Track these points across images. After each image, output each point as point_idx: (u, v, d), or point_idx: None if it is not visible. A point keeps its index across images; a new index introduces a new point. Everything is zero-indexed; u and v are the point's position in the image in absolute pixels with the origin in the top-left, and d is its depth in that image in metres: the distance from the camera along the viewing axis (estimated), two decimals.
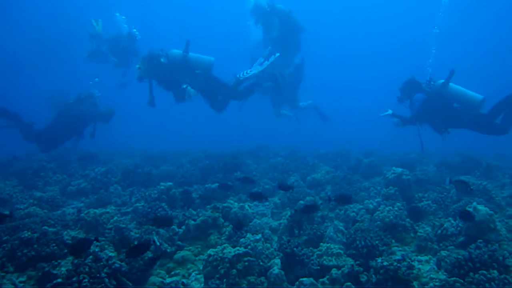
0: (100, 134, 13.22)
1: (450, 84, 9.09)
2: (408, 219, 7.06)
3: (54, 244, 5.94)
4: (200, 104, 10.72)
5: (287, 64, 14.85)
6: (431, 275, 5.40)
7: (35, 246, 5.87)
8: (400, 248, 6.43)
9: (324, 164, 11.81)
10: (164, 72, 10.07)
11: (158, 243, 6.00)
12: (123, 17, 14.73)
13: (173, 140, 23.01)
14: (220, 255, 5.34)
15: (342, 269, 5.26)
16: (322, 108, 17.02)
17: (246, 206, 7.48)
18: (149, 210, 7.27)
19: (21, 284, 5.35)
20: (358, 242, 5.89)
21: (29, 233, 6.00)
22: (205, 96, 10.74)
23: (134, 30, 14.51)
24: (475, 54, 38.20)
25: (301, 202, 7.68)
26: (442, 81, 9.17)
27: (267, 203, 8.90)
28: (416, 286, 5.10)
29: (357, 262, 5.43)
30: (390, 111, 9.73)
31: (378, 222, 6.85)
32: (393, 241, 6.56)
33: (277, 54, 10.71)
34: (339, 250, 5.82)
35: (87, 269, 4.87)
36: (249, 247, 5.72)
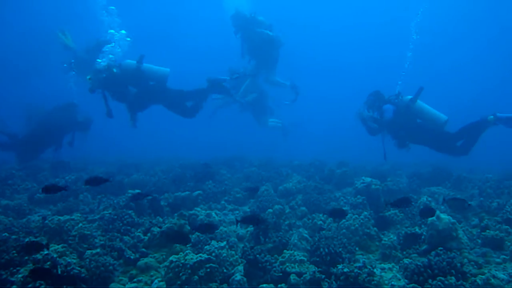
0: (77, 143, 13.15)
1: (418, 101, 9.48)
2: (374, 228, 7.11)
3: (14, 251, 5.83)
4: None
5: (267, 74, 14.93)
6: (393, 282, 5.42)
7: None
8: (364, 256, 6.46)
9: (298, 175, 11.84)
10: (117, 83, 9.96)
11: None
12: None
13: (151, 149, 22.90)
14: (182, 261, 5.31)
15: (304, 275, 5.26)
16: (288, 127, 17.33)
17: (213, 214, 7.45)
18: (115, 217, 7.20)
19: None
20: (322, 250, 5.89)
21: None
22: (169, 107, 10.71)
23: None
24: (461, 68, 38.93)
25: (270, 210, 7.65)
26: (410, 97, 9.55)
27: (237, 211, 8.90)
28: None
29: (319, 269, 5.43)
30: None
31: (344, 230, 6.88)
32: (357, 249, 6.59)
33: (248, 80, 10.86)
34: (302, 257, 5.82)
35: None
36: (213, 254, 5.69)
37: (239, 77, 11.85)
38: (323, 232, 6.69)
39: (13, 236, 6.27)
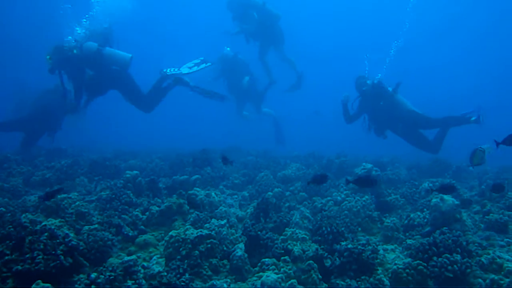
0: (74, 131, 13.01)
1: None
2: (377, 212, 7.04)
3: (10, 226, 5.71)
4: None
5: (277, 50, 14.85)
6: (396, 261, 5.33)
7: None
8: (366, 237, 6.37)
9: (296, 163, 11.72)
10: (76, 64, 9.72)
11: None
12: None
13: (145, 140, 22.75)
14: (182, 236, 5.21)
15: (307, 252, 5.17)
16: (283, 128, 17.20)
17: (213, 194, 7.35)
18: (113, 196, 7.09)
19: None
20: (324, 229, 5.80)
21: None
22: (125, 95, 10.58)
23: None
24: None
25: (270, 193, 7.56)
26: (390, 88, 10.00)
27: (236, 195, 8.80)
28: (381, 270, 5.02)
29: (322, 247, 5.34)
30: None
31: (345, 212, 6.79)
32: (359, 229, 6.51)
33: (209, 64, 10.75)
34: (304, 235, 5.73)
35: (41, 246, 4.68)
36: (213, 232, 5.59)
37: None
38: (326, 212, 6.59)
39: (8, 214, 6.15)
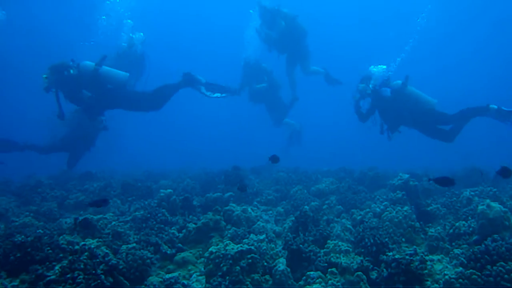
0: (98, 155, 13.09)
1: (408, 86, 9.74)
2: (419, 222, 6.84)
3: (49, 248, 5.68)
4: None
5: (303, 66, 14.70)
6: (445, 271, 5.12)
7: (29, 250, 5.60)
8: (411, 248, 6.16)
9: (328, 178, 11.54)
10: (72, 84, 9.69)
11: None
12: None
13: (174, 160, 22.77)
14: (223, 252, 5.09)
15: (352, 265, 4.99)
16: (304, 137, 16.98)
17: (249, 209, 7.23)
18: (149, 215, 7.03)
19: None
20: (367, 240, 5.62)
21: (23, 236, 5.75)
22: (128, 109, 10.55)
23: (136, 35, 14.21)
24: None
25: (306, 207, 7.41)
26: (399, 82, 9.78)
27: (270, 211, 8.67)
28: (430, 281, 4.81)
29: (367, 259, 5.16)
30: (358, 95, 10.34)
31: (387, 223, 6.59)
32: (403, 239, 6.29)
33: (224, 95, 10.73)
34: (347, 248, 5.56)
35: (82, 266, 4.61)
36: (253, 247, 5.45)
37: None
38: (367, 223, 6.40)
39: (46, 237, 6.13)
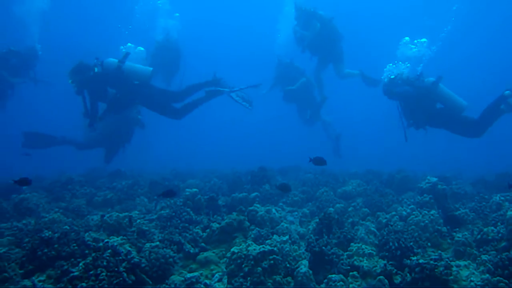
0: (129, 153, 13.22)
1: (439, 84, 9.38)
2: (446, 226, 6.70)
3: (75, 244, 5.77)
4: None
5: (337, 69, 14.56)
6: (472, 278, 5.00)
7: (56, 246, 5.70)
8: (436, 253, 6.04)
9: (356, 180, 11.43)
10: (98, 82, 9.71)
11: None
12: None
13: (203, 160, 22.87)
14: (245, 252, 5.07)
15: (374, 268, 4.93)
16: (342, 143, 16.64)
17: (273, 210, 7.21)
18: (173, 214, 7.07)
19: (40, 283, 5.18)
20: (391, 244, 5.54)
21: (50, 232, 5.86)
22: (155, 109, 10.48)
23: None
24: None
25: (331, 209, 7.36)
26: (433, 79, 9.41)
27: (296, 212, 8.63)
28: (455, 287, 4.71)
29: (390, 263, 5.08)
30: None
31: (413, 227, 6.48)
32: (429, 244, 6.18)
33: (238, 88, 10.70)
34: (371, 251, 5.48)
35: (104, 263, 4.67)
36: (275, 248, 5.43)
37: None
38: (392, 226, 6.31)
39: (72, 233, 6.23)
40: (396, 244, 5.49)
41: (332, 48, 13.89)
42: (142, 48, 12.34)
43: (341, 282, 4.64)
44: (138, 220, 6.78)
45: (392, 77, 9.92)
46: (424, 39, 10.39)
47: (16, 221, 7.91)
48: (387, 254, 5.52)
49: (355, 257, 5.35)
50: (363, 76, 14.38)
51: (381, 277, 4.53)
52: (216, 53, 38.37)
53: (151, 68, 9.96)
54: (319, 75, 14.62)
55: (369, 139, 30.30)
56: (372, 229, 6.30)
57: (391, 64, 10.23)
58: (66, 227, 6.24)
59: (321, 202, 8.43)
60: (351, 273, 4.84)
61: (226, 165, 19.36)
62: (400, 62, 10.24)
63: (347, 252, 5.52)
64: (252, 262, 4.97)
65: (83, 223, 7.61)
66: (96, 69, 9.56)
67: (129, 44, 12.77)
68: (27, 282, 5.12)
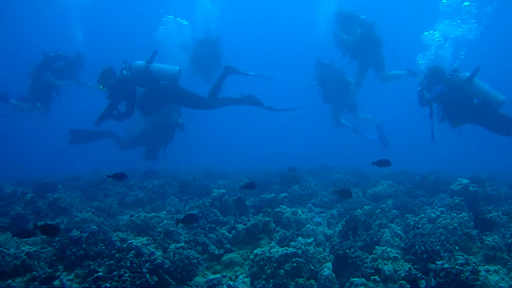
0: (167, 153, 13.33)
1: (475, 79, 9.06)
2: (475, 230, 6.54)
3: (102, 244, 5.88)
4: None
5: (378, 77, 14.37)
6: (501, 284, 4.87)
7: (84, 245, 5.82)
8: (464, 257, 5.90)
9: (387, 180, 11.27)
10: (127, 85, 9.79)
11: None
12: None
13: (234, 160, 22.93)
14: (267, 254, 5.07)
15: (399, 272, 4.85)
16: (386, 132, 16.28)
17: (299, 211, 7.17)
18: (200, 215, 7.12)
19: (68, 283, 5.29)
20: (417, 247, 5.44)
21: (78, 232, 5.99)
22: (186, 106, 10.64)
23: None
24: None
25: (359, 211, 7.28)
26: (468, 74, 9.08)
27: (324, 214, 8.57)
28: None
29: (415, 266, 4.99)
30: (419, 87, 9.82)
31: (441, 229, 6.35)
32: (456, 247, 6.04)
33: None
34: (396, 254, 5.40)
35: (128, 264, 4.74)
36: (299, 250, 5.40)
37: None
38: (418, 229, 6.19)
39: (101, 233, 6.34)
40: (422, 248, 5.39)
41: (372, 53, 13.71)
42: (186, 22, 12.49)
43: (362, 286, 4.58)
44: (165, 221, 6.83)
45: (419, 88, 9.73)
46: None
47: (50, 220, 8.10)
48: (413, 257, 5.43)
49: (379, 261, 5.28)
50: (411, 74, 14.13)
51: (403, 281, 4.46)
52: (254, 52, 38.34)
53: (178, 67, 10.04)
54: (360, 79, 14.43)
55: (405, 139, 29.76)
56: (398, 231, 6.20)
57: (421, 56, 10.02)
58: (94, 227, 6.35)
59: (349, 203, 8.33)
60: (372, 277, 4.77)
61: (259, 164, 19.39)
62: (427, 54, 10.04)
63: (372, 255, 5.45)
64: (275, 264, 4.96)
65: (113, 222, 7.74)
66: (124, 72, 9.70)
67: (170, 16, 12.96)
68: (56, 281, 5.24)
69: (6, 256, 5.33)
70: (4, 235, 7.37)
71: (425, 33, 11.72)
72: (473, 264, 4.74)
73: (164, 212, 7.70)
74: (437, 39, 11.20)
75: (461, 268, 4.56)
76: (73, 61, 14.12)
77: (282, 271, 4.91)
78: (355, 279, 4.73)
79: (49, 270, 5.52)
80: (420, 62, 10.68)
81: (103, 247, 5.83)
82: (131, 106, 9.98)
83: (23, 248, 5.68)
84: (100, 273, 4.67)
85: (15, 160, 23.35)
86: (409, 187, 10.15)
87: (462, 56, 10.37)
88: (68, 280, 5.38)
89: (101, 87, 9.64)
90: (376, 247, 5.72)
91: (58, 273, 5.41)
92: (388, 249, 5.52)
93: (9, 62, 32.89)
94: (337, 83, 14.61)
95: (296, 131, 32.51)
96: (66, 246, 5.82)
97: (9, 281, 4.96)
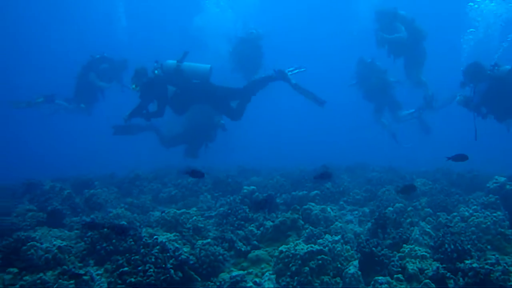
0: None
1: None
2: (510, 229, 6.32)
3: (131, 240, 5.96)
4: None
5: (415, 72, 14.10)
6: None
7: (114, 241, 5.92)
8: (496, 256, 5.71)
9: (423, 178, 11.03)
10: (159, 84, 9.84)
11: None
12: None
13: (271, 158, 22.87)
14: (292, 251, 5.05)
15: (426, 271, 4.74)
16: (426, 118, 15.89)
17: (328, 209, 7.11)
18: (229, 212, 7.14)
19: (98, 277, 5.39)
20: (447, 246, 5.31)
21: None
22: (216, 107, 10.57)
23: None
24: None
25: (390, 208, 7.16)
26: (509, 67, 8.75)
27: (356, 211, 8.46)
28: None
29: (444, 266, 4.86)
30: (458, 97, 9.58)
31: (473, 228, 6.17)
32: (489, 247, 5.86)
33: (303, 69, 10.43)
34: (424, 253, 5.28)
35: (153, 259, 4.79)
36: (326, 248, 5.34)
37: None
38: (449, 227, 6.04)
39: (131, 229, 6.43)
40: (452, 246, 5.26)
41: (414, 49, 13.44)
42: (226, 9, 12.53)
43: (386, 285, 4.49)
44: (194, 217, 6.89)
45: (458, 98, 9.47)
46: None
47: (86, 216, 8.29)
48: (442, 256, 5.30)
49: (407, 259, 5.18)
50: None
51: (427, 281, 4.35)
52: (296, 49, 38.16)
53: (209, 65, 10.08)
54: (415, 75, 14.11)
55: (445, 136, 29.08)
56: (428, 230, 6.05)
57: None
58: (123, 222, 6.45)
59: (381, 201, 8.21)
60: (396, 275, 4.68)
61: (295, 163, 19.28)
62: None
63: (399, 254, 5.34)
64: (300, 262, 4.94)
65: (145, 219, 7.86)
66: (156, 72, 9.82)
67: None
68: (85, 276, 5.35)
69: (39, 250, 5.48)
70: (41, 229, 7.59)
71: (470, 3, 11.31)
72: (504, 264, 4.59)
73: (194, 209, 7.76)
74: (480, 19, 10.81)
75: (491, 268, 4.43)
76: (118, 64, 14.37)
77: (307, 268, 4.88)
78: (379, 277, 4.65)
79: (79, 265, 5.65)
80: (465, 46, 10.30)
81: (132, 243, 5.91)
82: (162, 106, 10.09)
83: (55, 243, 5.81)
84: (126, 268, 4.73)
85: (59, 158, 23.93)
86: (444, 185, 9.90)
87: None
88: (97, 274, 5.48)
89: (133, 86, 9.78)
90: (404, 245, 5.60)
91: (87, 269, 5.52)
92: (416, 248, 5.40)
93: (53, 59, 33.84)
94: (378, 82, 14.38)
95: (336, 128, 32.12)
96: (97, 241, 5.94)
97: (41, 274, 5.09)
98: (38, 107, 14.34)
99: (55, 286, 4.83)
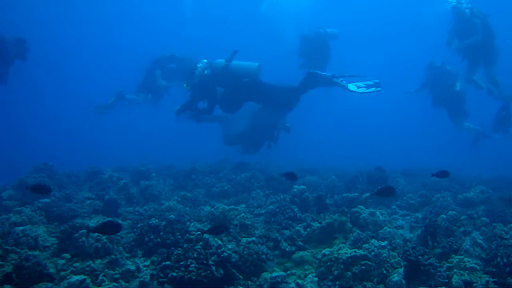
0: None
1: None
2: None
3: (178, 233, 6.06)
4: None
5: (487, 74, 13.60)
6: None
7: (161, 233, 6.04)
8: None
9: (482, 186, 10.60)
10: (208, 84, 9.88)
11: None
12: None
13: (331, 158, 22.62)
14: (335, 255, 4.97)
15: (474, 284, 4.55)
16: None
17: (377, 213, 6.96)
18: (278, 210, 7.13)
19: (144, 268, 5.53)
20: (499, 259, 5.07)
21: (157, 220, 6.22)
22: (267, 105, 10.55)
23: None
24: None
25: (443, 216, 6.93)
26: None
27: (408, 217, 8.25)
28: None
29: (494, 280, 4.65)
30: None
31: None
32: None
33: (379, 89, 10.02)
34: (474, 265, 5.06)
35: (195, 255, 4.85)
36: (371, 253, 5.23)
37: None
38: (504, 240, 5.76)
39: (179, 222, 6.55)
40: (505, 260, 5.02)
41: (486, 49, 12.92)
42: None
43: None
44: (242, 214, 6.92)
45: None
46: None
47: (140, 206, 8.52)
48: (494, 270, 5.07)
49: (455, 270, 4.99)
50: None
51: None
52: (365, 51, 37.62)
53: (257, 63, 10.09)
54: (473, 79, 13.60)
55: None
56: (479, 241, 5.80)
57: None
58: (172, 216, 6.57)
59: (434, 207, 7.95)
60: (439, 287, 4.52)
61: (357, 163, 18.97)
62: None
63: (447, 264, 5.15)
64: (342, 266, 4.86)
65: (195, 212, 7.97)
66: (206, 72, 9.95)
67: None
68: (132, 264, 5.50)
69: (90, 238, 5.68)
70: (96, 217, 7.88)
71: None
72: None
73: (243, 205, 7.79)
74: None
75: None
76: (185, 67, 14.66)
77: (349, 273, 4.80)
78: (422, 287, 4.51)
79: (127, 255, 5.81)
80: None
81: (179, 236, 6.01)
82: (212, 104, 10.24)
83: None
84: (168, 262, 4.82)
85: (129, 147, 24.66)
86: (503, 194, 9.47)
87: None
88: (144, 266, 5.62)
89: (185, 85, 9.97)
90: (453, 255, 5.40)
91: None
92: (466, 259, 5.19)
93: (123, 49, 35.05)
94: (447, 87, 13.87)
95: (402, 130, 31.44)
96: (145, 233, 6.08)
97: (90, 262, 5.28)
98: (113, 106, 15.05)
99: (101, 275, 5.00)
